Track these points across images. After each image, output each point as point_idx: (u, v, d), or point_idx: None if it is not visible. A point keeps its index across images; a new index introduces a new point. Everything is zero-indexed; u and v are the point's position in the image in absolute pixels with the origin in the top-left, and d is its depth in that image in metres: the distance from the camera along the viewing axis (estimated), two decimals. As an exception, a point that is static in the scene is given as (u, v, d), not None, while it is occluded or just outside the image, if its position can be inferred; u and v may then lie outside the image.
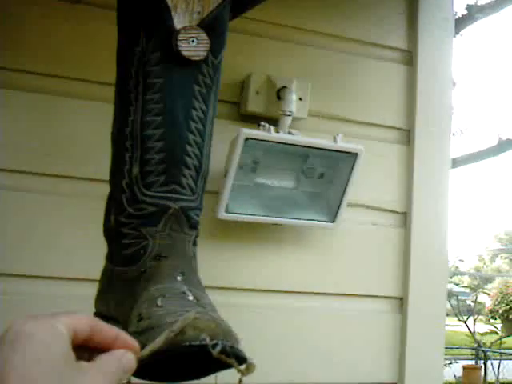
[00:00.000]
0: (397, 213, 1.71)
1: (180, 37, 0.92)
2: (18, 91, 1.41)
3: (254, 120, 1.55)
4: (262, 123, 1.43)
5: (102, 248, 1.36)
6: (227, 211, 1.44)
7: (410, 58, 1.78)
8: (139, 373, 0.82)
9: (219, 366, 0.79)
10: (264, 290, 1.56)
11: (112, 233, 0.96)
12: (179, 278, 0.88)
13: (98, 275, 1.40)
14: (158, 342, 0.68)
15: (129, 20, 0.97)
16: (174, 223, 0.92)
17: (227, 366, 0.77)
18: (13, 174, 1.40)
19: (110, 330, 0.63)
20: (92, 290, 1.39)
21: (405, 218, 1.71)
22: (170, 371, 0.84)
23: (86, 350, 0.61)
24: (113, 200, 0.97)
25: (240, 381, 0.76)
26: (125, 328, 0.85)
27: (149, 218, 0.91)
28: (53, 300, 1.38)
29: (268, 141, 1.42)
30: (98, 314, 0.98)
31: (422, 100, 1.75)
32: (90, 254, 1.40)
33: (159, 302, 0.83)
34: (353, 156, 1.48)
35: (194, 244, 0.95)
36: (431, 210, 1.72)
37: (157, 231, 0.91)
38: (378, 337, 1.66)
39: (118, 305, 0.93)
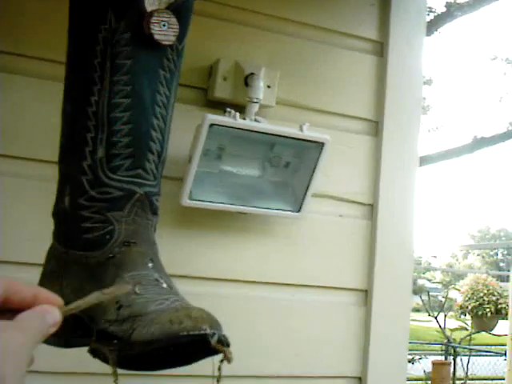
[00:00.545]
0: (363, 204, 1.70)
1: (153, 20, 0.90)
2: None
3: (221, 106, 1.52)
4: (228, 109, 1.40)
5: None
6: (191, 198, 1.42)
7: (381, 49, 1.77)
8: (125, 364, 0.82)
9: (204, 353, 0.82)
10: (225, 279, 1.54)
11: (67, 215, 0.93)
12: (150, 264, 0.88)
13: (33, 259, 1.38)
14: (88, 300, 0.67)
15: None
16: (139, 209, 0.91)
17: (211, 353, 0.80)
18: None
19: (28, 289, 0.61)
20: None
21: (371, 209, 1.70)
22: (153, 360, 0.85)
23: (8, 312, 0.59)
24: (68, 181, 0.94)
25: (219, 368, 0.80)
26: (91, 315, 0.85)
27: (114, 203, 0.90)
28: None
29: (233, 127, 1.40)
30: None
31: (391, 91, 1.74)
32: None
33: (137, 290, 0.84)
34: (319, 145, 1.46)
35: (154, 230, 0.95)
36: (398, 203, 1.71)
37: (122, 216, 0.90)
38: (341, 329, 1.65)
39: (76, 290, 0.90)
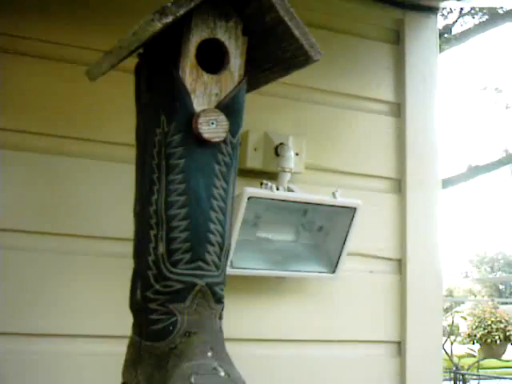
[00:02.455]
0: (392, 260, 1.77)
1: (200, 120, 0.96)
2: (17, 151, 1.44)
3: (253, 175, 1.60)
4: (265, 182, 1.48)
5: (109, 304, 1.41)
6: (232, 266, 1.48)
7: (398, 110, 1.86)
8: None
9: None
10: (269, 339, 1.61)
11: (139, 307, 1.00)
12: (209, 353, 0.94)
13: (106, 331, 1.44)
14: None
15: (149, 102, 1.02)
16: (201, 299, 0.97)
17: None
18: (14, 233, 1.42)
19: None
20: (102, 347, 1.43)
21: (400, 264, 1.78)
22: None
23: None
24: (139, 276, 1.01)
25: None
26: None
27: (176, 295, 0.96)
28: (65, 358, 1.41)
29: (270, 199, 1.47)
30: None
31: (410, 150, 1.82)
32: (99, 311, 1.44)
33: (193, 380, 0.89)
34: (351, 210, 1.54)
35: (220, 318, 1.00)
36: (424, 255, 1.79)
37: (184, 307, 0.96)
38: (378, 381, 1.71)
39: (147, 379, 0.97)
